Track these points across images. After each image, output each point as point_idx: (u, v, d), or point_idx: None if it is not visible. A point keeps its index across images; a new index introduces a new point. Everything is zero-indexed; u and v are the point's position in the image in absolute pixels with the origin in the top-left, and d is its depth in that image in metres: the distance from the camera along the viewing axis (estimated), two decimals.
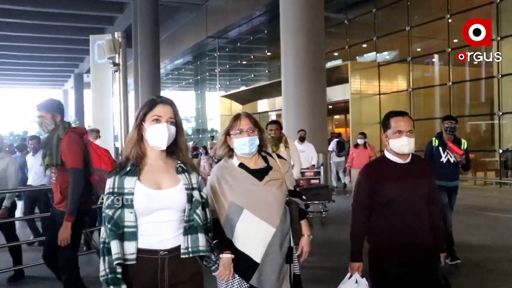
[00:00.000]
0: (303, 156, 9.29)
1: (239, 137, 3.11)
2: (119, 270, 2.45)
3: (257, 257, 3.03)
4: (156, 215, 2.52)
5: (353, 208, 3.46)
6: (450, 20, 16.58)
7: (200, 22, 29.63)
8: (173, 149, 2.64)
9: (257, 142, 3.13)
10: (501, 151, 15.20)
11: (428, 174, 3.46)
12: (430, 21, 17.75)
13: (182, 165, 2.63)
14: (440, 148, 6.56)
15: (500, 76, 15.05)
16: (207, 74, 35.68)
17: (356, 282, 3.31)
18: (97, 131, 10.37)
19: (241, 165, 3.17)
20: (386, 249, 3.32)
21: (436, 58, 18.14)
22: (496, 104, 15.42)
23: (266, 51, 26.66)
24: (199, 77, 37.38)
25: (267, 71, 27.66)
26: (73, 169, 4.37)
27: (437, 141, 6.62)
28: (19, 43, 35.93)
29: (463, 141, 6.63)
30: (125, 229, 2.47)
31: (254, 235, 3.05)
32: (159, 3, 25.82)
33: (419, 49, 19.05)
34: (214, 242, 2.93)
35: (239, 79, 32.52)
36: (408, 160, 3.34)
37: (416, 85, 18.27)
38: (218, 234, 3.01)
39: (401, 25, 18.35)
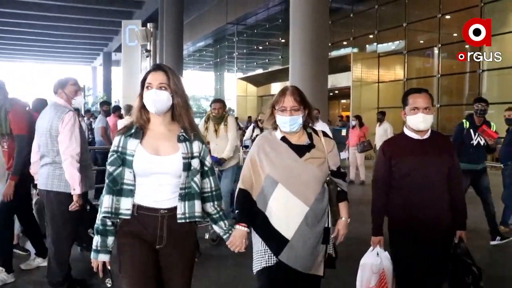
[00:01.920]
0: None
1: (281, 114, 3.03)
2: (109, 223, 2.62)
3: (288, 234, 2.96)
4: (154, 178, 2.62)
5: (373, 184, 3.48)
6: (441, 18, 18.29)
7: (221, 9, 30.96)
8: (175, 114, 2.71)
9: (299, 121, 3.04)
10: None
11: (448, 150, 3.43)
12: (424, 19, 19.39)
13: (184, 133, 2.67)
14: (471, 131, 6.37)
15: (481, 71, 16.92)
16: (226, 57, 37.08)
17: (378, 255, 3.33)
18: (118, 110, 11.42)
19: (284, 139, 3.09)
20: (403, 223, 3.35)
21: (428, 52, 19.64)
22: (477, 95, 17.06)
23: (280, 38, 27.89)
24: (218, 60, 38.86)
25: (280, 57, 29.12)
26: (18, 136, 4.79)
27: (468, 123, 6.42)
28: (54, 22, 37.40)
29: (492, 124, 6.41)
30: (124, 186, 2.60)
31: (286, 211, 2.97)
32: None
33: (414, 43, 20.56)
34: (236, 210, 3.06)
35: (255, 63, 34.27)
36: (426, 136, 3.35)
37: (410, 75, 19.98)
38: (241, 205, 3.05)
39: (399, 20, 19.99)
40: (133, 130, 2.64)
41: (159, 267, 2.70)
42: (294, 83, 14.93)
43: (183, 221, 2.65)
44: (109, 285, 2.66)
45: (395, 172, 3.38)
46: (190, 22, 33.80)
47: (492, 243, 6.48)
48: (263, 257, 3.02)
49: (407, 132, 3.40)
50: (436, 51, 18.79)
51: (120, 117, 10.71)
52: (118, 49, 46.89)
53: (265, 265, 3.00)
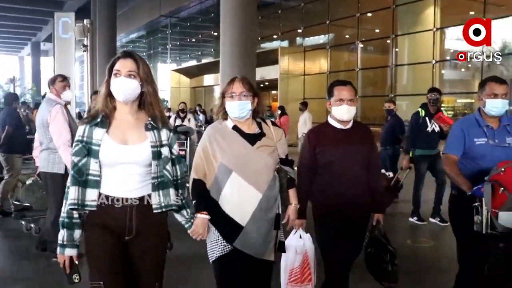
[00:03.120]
0: None
1: (230, 100, 3.07)
2: (75, 215, 2.53)
3: (242, 220, 3.01)
4: (121, 168, 2.55)
5: (298, 169, 3.54)
6: (359, 17, 19.83)
7: (154, 2, 31.01)
8: (144, 102, 2.64)
9: (248, 107, 3.08)
10: None
11: (368, 140, 3.63)
12: (345, 17, 20.89)
13: (151, 122, 2.60)
14: (427, 118, 6.76)
15: (393, 66, 18.66)
16: (160, 49, 37.42)
17: (300, 237, 3.41)
18: None
19: (235, 128, 3.13)
20: (325, 208, 3.49)
21: (351, 47, 21.10)
22: (390, 88, 18.97)
23: (213, 32, 28.36)
24: (152, 52, 38.97)
25: (212, 50, 29.78)
26: None
27: (423, 111, 6.81)
28: None
29: (443, 111, 6.79)
30: (89, 177, 2.51)
31: (240, 198, 3.02)
32: None
33: (336, 39, 22.04)
34: (193, 201, 2.97)
35: (188, 55, 34.84)
36: (349, 126, 3.52)
37: (333, 69, 21.39)
38: (198, 194, 3.05)
39: (323, 17, 21.35)
40: (98, 119, 2.56)
41: (129, 259, 2.63)
42: (224, 75, 15.61)
43: (159, 210, 2.59)
44: (76, 281, 2.55)
45: (319, 159, 3.51)
46: (123, 13, 33.52)
47: (411, 219, 7.18)
48: (217, 246, 3.05)
49: (331, 121, 3.55)
50: (356, 46, 20.32)
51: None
52: (48, 39, 46.13)
53: (220, 254, 3.04)
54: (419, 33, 18.01)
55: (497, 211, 3.11)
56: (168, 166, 2.64)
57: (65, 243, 2.56)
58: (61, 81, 5.37)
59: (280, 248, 3.25)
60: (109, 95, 2.60)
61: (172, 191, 2.63)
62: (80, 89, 36.76)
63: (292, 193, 3.28)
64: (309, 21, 22.67)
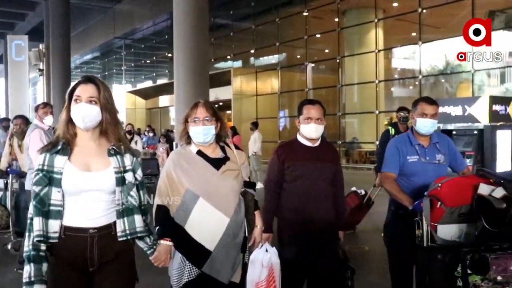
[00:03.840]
0: None
1: (194, 125, 3.06)
2: (42, 247, 2.42)
3: (210, 245, 2.99)
4: (85, 196, 2.46)
5: (265, 185, 3.64)
6: (307, 39, 20.71)
7: (108, 24, 31.47)
8: (107, 131, 2.55)
9: (212, 131, 3.08)
10: (340, 142, 19.62)
11: (334, 159, 3.75)
12: (294, 39, 21.69)
13: (114, 147, 2.54)
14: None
15: (340, 85, 19.54)
16: (114, 70, 37.42)
17: (266, 250, 3.37)
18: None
19: (199, 153, 3.11)
20: (290, 223, 3.57)
21: (301, 67, 21.90)
22: (338, 107, 19.85)
23: (167, 53, 28.75)
24: (106, 73, 38.74)
25: (167, 71, 30.20)
26: None
27: (393, 130, 6.84)
28: None
29: None
30: (51, 207, 2.41)
31: (208, 224, 3.00)
32: (70, 4, 26.77)
33: (286, 60, 22.90)
34: (156, 227, 2.94)
35: (143, 77, 35.01)
36: (317, 144, 3.61)
37: (283, 89, 22.16)
38: (162, 220, 3.00)
39: (273, 39, 22.17)
40: (59, 147, 2.47)
41: None
42: (178, 96, 15.92)
43: (124, 238, 2.52)
44: None
45: (287, 175, 3.58)
46: (77, 34, 33.67)
47: None
48: (184, 271, 3.01)
49: (300, 139, 3.65)
50: (305, 67, 21.18)
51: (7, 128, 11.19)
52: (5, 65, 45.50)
53: (186, 280, 3.00)
54: (363, 54, 18.97)
55: (436, 224, 3.17)
56: (133, 192, 2.58)
57: (32, 279, 2.39)
58: (43, 107, 5.90)
59: (244, 270, 3.22)
60: (70, 121, 2.51)
61: (137, 217, 2.57)
62: (32, 111, 36.32)
63: (257, 215, 3.31)
64: (260, 43, 23.41)
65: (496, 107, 7.96)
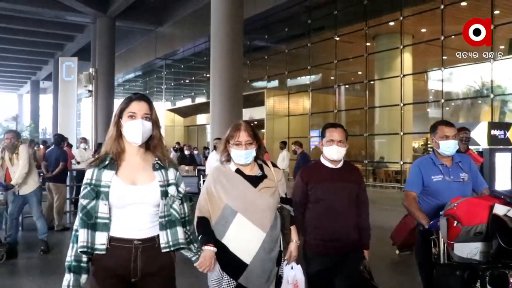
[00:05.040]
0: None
1: (236, 148, 3.15)
2: (84, 259, 2.50)
3: (247, 259, 3.07)
4: (131, 208, 2.52)
5: (293, 206, 3.56)
6: (337, 64, 21.64)
7: (150, 45, 33.12)
8: (150, 145, 2.63)
9: (253, 154, 3.18)
10: (366, 161, 20.54)
11: (357, 179, 3.78)
12: (324, 63, 22.80)
13: (159, 161, 2.61)
14: None
15: (367, 107, 20.44)
16: (155, 89, 38.87)
17: (292, 268, 3.42)
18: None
19: (238, 171, 3.21)
20: (314, 241, 3.64)
21: (329, 90, 22.86)
22: (365, 127, 20.71)
23: (205, 73, 29.78)
24: (147, 91, 39.94)
25: (205, 91, 31.42)
26: None
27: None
28: None
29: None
30: (98, 220, 2.48)
31: (245, 238, 3.09)
32: (115, 27, 28.61)
33: (317, 83, 23.92)
34: (199, 236, 3.00)
35: (182, 96, 36.39)
36: (339, 166, 3.69)
37: (314, 110, 23.09)
38: (204, 229, 3.09)
39: (305, 63, 23.19)
40: (107, 162, 2.55)
41: None
42: (214, 116, 16.89)
43: (167, 250, 2.57)
44: None
45: (310, 196, 3.65)
46: (121, 54, 35.26)
47: None
48: (222, 283, 3.09)
49: (323, 161, 3.74)
50: (334, 89, 22.12)
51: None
52: (47, 78, 47.69)
53: None
54: (389, 79, 19.83)
55: (452, 242, 3.21)
56: (175, 205, 2.64)
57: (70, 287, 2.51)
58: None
59: (279, 283, 3.30)
60: (119, 137, 2.61)
61: (180, 229, 2.62)
62: (77, 126, 38.18)
63: (293, 230, 3.40)
64: (293, 66, 24.41)
65: (495, 132, 8.81)
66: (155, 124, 2.64)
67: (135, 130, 2.55)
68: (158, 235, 2.59)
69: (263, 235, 3.12)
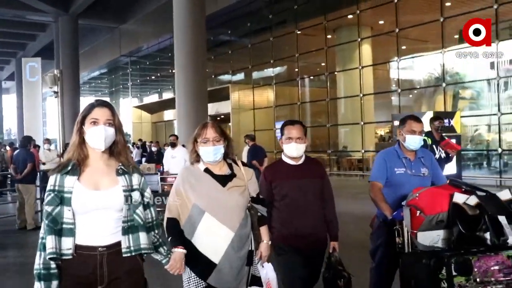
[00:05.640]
0: (174, 161, 10.18)
1: (204, 146, 3.14)
2: (53, 265, 2.45)
3: (215, 258, 3.06)
4: (94, 214, 2.51)
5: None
6: (298, 57, 22.29)
7: (115, 42, 32.99)
8: (114, 150, 2.63)
9: (221, 151, 3.16)
10: (330, 151, 21.19)
11: (320, 174, 3.82)
12: (286, 57, 23.36)
13: (122, 167, 2.61)
14: (434, 146, 6.69)
15: (328, 99, 21.09)
16: (121, 86, 38.83)
17: (263, 267, 3.41)
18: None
19: (206, 170, 3.19)
20: (282, 238, 3.63)
21: (291, 83, 23.43)
22: (327, 118, 21.37)
23: (171, 70, 29.03)
24: (113, 89, 40.53)
25: (171, 87, 31.39)
26: None
27: (430, 139, 6.72)
28: None
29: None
30: (64, 226, 2.47)
31: (213, 237, 3.07)
32: (78, 25, 28.58)
33: (280, 76, 24.44)
34: (168, 238, 3.04)
35: (148, 92, 36.53)
36: (301, 162, 3.72)
37: (278, 103, 23.64)
38: (173, 231, 3.09)
39: (268, 57, 23.70)
40: (69, 167, 2.54)
41: None
42: (180, 111, 17.29)
43: (128, 254, 2.56)
44: None
45: (275, 194, 3.68)
46: (85, 52, 34.98)
47: None
48: (190, 284, 3.10)
49: (284, 158, 3.77)
50: (297, 82, 22.76)
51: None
52: (9, 78, 47.11)
53: None
54: (349, 70, 20.45)
55: (416, 231, 3.26)
56: (139, 210, 2.62)
57: None
58: None
59: (254, 282, 3.27)
60: (82, 143, 2.61)
61: (142, 234, 2.60)
62: (44, 126, 37.89)
63: (263, 230, 3.37)
64: (256, 60, 24.90)
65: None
66: (119, 129, 2.64)
67: (97, 136, 2.55)
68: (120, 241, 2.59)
69: (231, 234, 3.10)
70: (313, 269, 3.73)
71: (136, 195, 2.62)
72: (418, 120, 4.00)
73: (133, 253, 2.56)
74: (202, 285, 3.08)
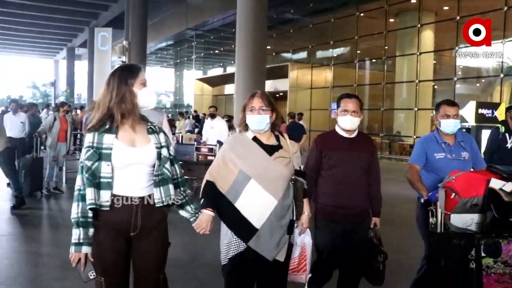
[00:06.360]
0: (212, 132, 10.36)
1: (251, 114, 3.20)
2: (90, 215, 2.66)
3: (257, 223, 3.12)
4: (130, 168, 2.72)
5: (305, 171, 3.61)
6: (357, 40, 22.50)
7: (182, 15, 33.76)
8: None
9: (267, 120, 3.20)
10: (382, 135, 21.39)
11: (370, 150, 3.84)
12: (346, 39, 23.61)
13: (151, 126, 2.82)
14: (507, 135, 6.48)
15: (384, 83, 21.31)
16: (185, 58, 39.85)
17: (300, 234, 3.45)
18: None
19: (254, 139, 3.24)
20: (324, 208, 3.71)
21: (349, 65, 23.65)
22: (381, 101, 21.60)
23: (233, 45, 29.24)
24: (178, 61, 41.66)
25: (233, 62, 31.17)
26: None
27: (503, 127, 6.54)
28: (19, 19, 38.82)
29: None
30: (101, 179, 2.66)
31: (257, 203, 3.13)
32: None
33: (338, 58, 24.76)
34: (201, 198, 3.16)
35: (211, 66, 37.71)
36: (353, 135, 3.75)
37: (335, 83, 23.99)
38: (207, 193, 3.18)
39: (328, 38, 24.07)
40: (107, 126, 2.70)
41: (133, 254, 2.80)
42: (238, 86, 17.76)
43: (160, 204, 2.75)
44: (92, 277, 2.65)
45: (324, 163, 3.71)
46: (153, 24, 35.54)
47: None
48: (231, 246, 3.17)
49: (338, 130, 3.78)
50: (355, 64, 22.98)
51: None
52: (82, 45, 48.96)
53: (233, 253, 3.16)
54: (407, 56, 20.53)
55: (449, 213, 3.30)
56: (167, 165, 2.82)
57: (81, 241, 2.66)
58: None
59: (290, 250, 3.32)
60: (118, 104, 2.74)
61: (171, 187, 2.80)
62: None
63: (305, 203, 3.42)
64: (317, 40, 25.29)
65: (483, 111, 9.66)
66: None
67: (149, 97, 2.81)
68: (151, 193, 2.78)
69: (274, 202, 3.13)
70: (352, 243, 3.75)
71: (164, 151, 2.81)
72: (452, 103, 4.08)
73: (164, 203, 2.77)
74: (243, 247, 3.15)
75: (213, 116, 10.80)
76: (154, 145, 2.77)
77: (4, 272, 5.25)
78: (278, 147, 3.25)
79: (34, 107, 14.23)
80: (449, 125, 4.01)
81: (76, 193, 2.68)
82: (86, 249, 2.65)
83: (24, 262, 5.67)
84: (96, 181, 2.64)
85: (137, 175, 2.73)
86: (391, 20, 21.38)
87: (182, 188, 2.94)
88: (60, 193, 9.80)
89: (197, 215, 3.03)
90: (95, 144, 2.67)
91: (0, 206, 8.63)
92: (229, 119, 14.02)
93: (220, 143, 9.82)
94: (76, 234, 2.65)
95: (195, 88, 35.15)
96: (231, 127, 11.97)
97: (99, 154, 2.66)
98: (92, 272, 2.66)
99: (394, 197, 8.75)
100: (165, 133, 2.89)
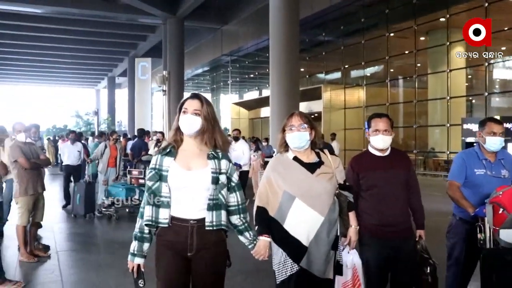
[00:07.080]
0: (234, 154, 10.34)
1: (290, 132, 3.27)
2: (146, 231, 2.87)
3: (306, 241, 3.17)
4: (185, 191, 2.82)
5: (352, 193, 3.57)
6: (388, 60, 22.88)
7: (217, 42, 34.85)
8: (204, 137, 2.88)
9: (307, 137, 3.26)
10: (415, 151, 21.53)
11: (406, 165, 3.84)
12: (377, 59, 24.03)
13: (213, 152, 2.88)
14: None
15: (416, 101, 21.60)
16: (221, 83, 40.75)
17: (348, 252, 3.54)
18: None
19: (295, 158, 3.31)
20: (368, 227, 3.69)
21: (381, 84, 23.94)
22: (414, 118, 21.80)
23: (268, 69, 30.52)
24: (214, 86, 42.51)
25: (267, 85, 31.60)
26: None
27: None
28: (63, 52, 40.86)
29: None
30: (162, 199, 2.82)
31: (304, 221, 3.18)
32: (184, 26, 30.31)
33: (370, 78, 25.11)
34: (255, 225, 3.21)
35: (247, 90, 38.18)
36: (387, 153, 3.75)
37: (367, 103, 24.32)
38: (260, 218, 3.26)
39: (359, 59, 24.49)
40: (168, 150, 2.86)
41: (191, 273, 2.88)
42: (273, 109, 18.29)
43: (210, 228, 2.81)
44: (141, 285, 2.81)
45: (362, 184, 3.71)
46: (189, 51, 36.95)
47: None
48: (286, 266, 3.20)
49: (371, 149, 3.79)
50: (386, 84, 23.32)
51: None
52: (122, 74, 50.49)
53: (290, 273, 3.20)
54: (437, 73, 20.85)
55: (498, 228, 3.27)
56: (223, 192, 2.87)
57: (135, 252, 2.87)
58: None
59: (338, 269, 3.36)
60: (178, 129, 2.92)
61: (223, 212, 2.87)
62: (151, 118, 40.39)
63: (352, 216, 3.48)
64: (348, 61, 25.69)
65: (507, 125, 9.97)
66: (205, 119, 2.88)
67: (184, 123, 2.87)
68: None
69: (321, 218, 3.19)
70: (400, 259, 3.71)
71: (223, 178, 2.88)
72: (498, 122, 4.03)
73: (214, 228, 2.83)
74: (296, 268, 3.20)
75: (236, 139, 11.17)
76: (210, 169, 2.85)
77: (69, 277, 5.99)
78: (320, 163, 3.32)
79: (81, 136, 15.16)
80: (495, 143, 3.94)
81: (140, 210, 2.92)
82: (138, 260, 2.87)
83: (86, 270, 6.33)
84: (155, 201, 2.82)
85: (193, 197, 2.83)
86: (422, 38, 21.71)
87: (242, 215, 3.02)
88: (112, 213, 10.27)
89: (255, 242, 3.12)
90: (157, 166, 2.86)
91: (59, 226, 9.37)
92: (256, 140, 14.48)
93: (238, 165, 10.20)
94: (133, 246, 2.89)
95: (232, 112, 35.84)
96: (258, 148, 12.74)
97: (160, 176, 2.84)
98: (141, 282, 2.86)
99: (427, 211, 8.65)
100: (229, 161, 2.97)
